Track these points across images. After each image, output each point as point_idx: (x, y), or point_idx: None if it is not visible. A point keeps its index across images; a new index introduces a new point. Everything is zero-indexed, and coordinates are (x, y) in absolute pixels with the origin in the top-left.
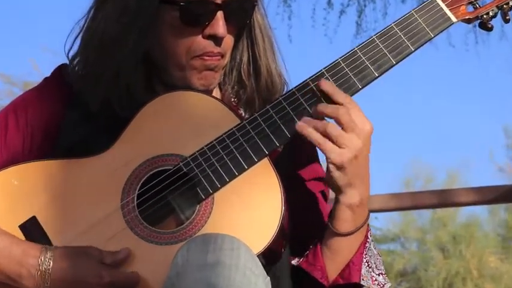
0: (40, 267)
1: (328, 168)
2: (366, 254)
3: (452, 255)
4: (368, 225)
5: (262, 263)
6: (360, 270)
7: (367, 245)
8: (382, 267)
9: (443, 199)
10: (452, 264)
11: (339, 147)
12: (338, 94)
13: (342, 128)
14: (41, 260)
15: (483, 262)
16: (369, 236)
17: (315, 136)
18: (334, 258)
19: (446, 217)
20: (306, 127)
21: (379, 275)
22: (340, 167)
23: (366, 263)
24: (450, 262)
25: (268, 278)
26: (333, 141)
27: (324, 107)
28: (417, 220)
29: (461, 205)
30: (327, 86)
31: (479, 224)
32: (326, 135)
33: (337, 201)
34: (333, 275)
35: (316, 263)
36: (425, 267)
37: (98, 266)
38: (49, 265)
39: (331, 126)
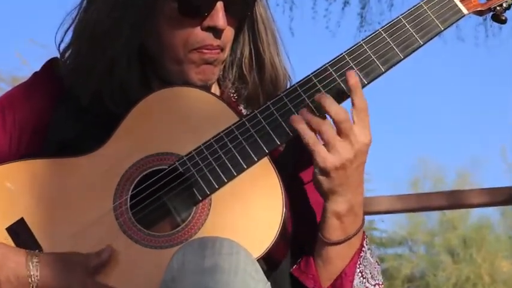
0: (24, 273)
1: (314, 170)
2: (360, 264)
3: (463, 260)
4: (364, 233)
5: (262, 268)
6: (352, 282)
7: (362, 254)
8: (380, 277)
9: (453, 200)
10: (462, 269)
11: (328, 151)
12: (358, 95)
13: (338, 132)
14: (28, 266)
15: (495, 267)
16: (365, 245)
17: (307, 135)
18: (326, 267)
19: (456, 219)
20: (300, 122)
21: (375, 285)
22: (324, 172)
23: (360, 273)
24: (460, 267)
25: (269, 283)
26: (323, 142)
27: (329, 102)
28: (425, 222)
29: (472, 207)
30: (354, 79)
31: (491, 226)
32: (319, 133)
33: (324, 207)
34: (326, 284)
35: (309, 271)
36: (434, 272)
37: (83, 275)
38: (36, 271)
39: (327, 127)
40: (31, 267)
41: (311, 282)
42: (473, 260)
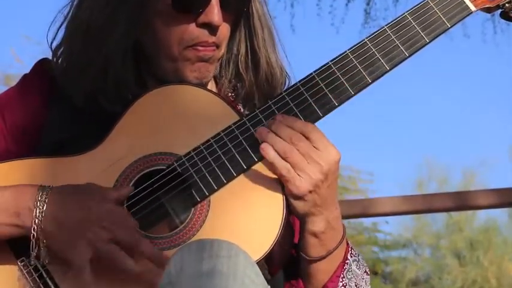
0: (37, 201)
1: (286, 196)
2: (343, 278)
3: (469, 263)
4: (348, 244)
5: (264, 272)
6: None
7: (346, 266)
8: None
9: (459, 202)
10: (468, 272)
11: (298, 175)
12: (294, 124)
13: (303, 156)
14: (37, 195)
15: (502, 270)
16: (349, 257)
17: (279, 163)
18: (311, 281)
19: (462, 221)
20: (269, 150)
21: None
22: (298, 198)
23: (343, 287)
24: (466, 270)
25: (269, 287)
26: (292, 167)
27: (282, 128)
28: (431, 224)
29: (478, 208)
30: (273, 127)
31: (498, 228)
32: (286, 159)
33: (300, 227)
34: None
35: (298, 285)
36: (440, 275)
37: (100, 201)
38: (46, 198)
39: (291, 151)
40: (40, 192)
41: None
42: (480, 263)
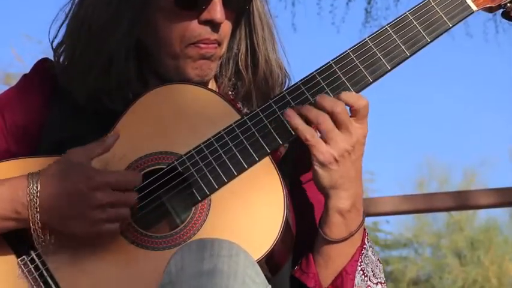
0: (29, 196)
1: (312, 165)
2: (361, 262)
3: (470, 262)
4: (365, 230)
5: (265, 272)
6: (354, 280)
7: (364, 251)
8: (382, 276)
9: (460, 201)
10: (469, 272)
11: (326, 142)
12: (352, 99)
13: (336, 124)
14: (28, 189)
15: (503, 269)
16: (366, 242)
17: (303, 128)
18: (327, 265)
19: (463, 221)
20: (295, 117)
21: (377, 284)
22: (323, 165)
23: (361, 271)
24: (467, 269)
25: (270, 286)
26: (321, 135)
27: (322, 98)
28: (432, 224)
29: (479, 208)
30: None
31: (499, 228)
32: (316, 125)
33: (325, 205)
34: (327, 283)
35: (309, 270)
36: (440, 275)
37: (86, 171)
38: (37, 188)
39: (324, 118)
40: (33, 187)
41: (312, 281)
42: (481, 262)
